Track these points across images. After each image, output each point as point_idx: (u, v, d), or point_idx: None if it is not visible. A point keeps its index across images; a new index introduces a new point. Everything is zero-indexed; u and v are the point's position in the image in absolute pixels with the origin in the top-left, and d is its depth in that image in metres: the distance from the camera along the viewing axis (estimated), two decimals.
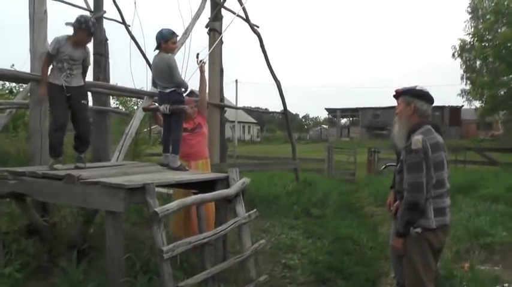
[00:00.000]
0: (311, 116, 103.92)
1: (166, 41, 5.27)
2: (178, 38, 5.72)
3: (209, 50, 8.59)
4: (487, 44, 18.45)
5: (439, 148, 3.79)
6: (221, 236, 4.66)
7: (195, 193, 5.14)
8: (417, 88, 4.04)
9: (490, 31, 18.58)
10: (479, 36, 18.24)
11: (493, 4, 17.99)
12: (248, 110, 47.42)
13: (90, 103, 9.80)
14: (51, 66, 5.04)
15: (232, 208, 4.97)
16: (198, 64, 5.81)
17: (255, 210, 5.17)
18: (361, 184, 16.01)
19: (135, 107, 14.54)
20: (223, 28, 8.84)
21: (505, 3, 15.94)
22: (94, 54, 9.64)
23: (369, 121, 60.21)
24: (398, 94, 4.09)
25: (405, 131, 3.92)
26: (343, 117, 66.64)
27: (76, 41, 4.96)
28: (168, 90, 5.28)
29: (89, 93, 9.71)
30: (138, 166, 5.46)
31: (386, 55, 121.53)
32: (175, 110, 5.26)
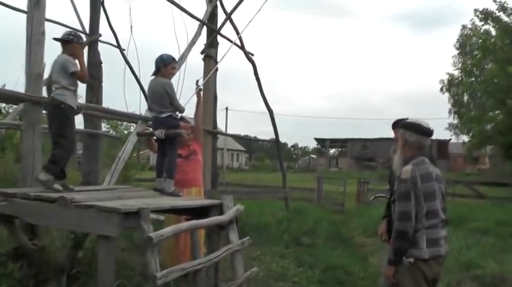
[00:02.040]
0: (300, 145, 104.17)
1: (166, 65, 5.28)
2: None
3: (203, 76, 8.66)
4: (474, 80, 18.79)
5: (430, 179, 3.85)
6: (213, 263, 4.59)
7: (187, 219, 5.10)
8: (407, 120, 4.15)
9: (477, 67, 18.91)
10: (468, 72, 18.58)
11: (480, 41, 18.36)
12: (237, 138, 47.49)
13: (82, 126, 9.77)
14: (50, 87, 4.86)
15: (225, 235, 4.92)
16: (196, 90, 5.82)
17: (248, 237, 5.12)
18: (350, 214, 16.01)
19: (126, 131, 14.51)
20: (219, 55, 8.93)
21: (492, 40, 16.29)
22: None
23: (357, 152, 60.52)
24: (393, 126, 4.20)
25: (400, 162, 4.01)
26: (332, 147, 66.94)
27: (74, 55, 4.85)
28: (163, 115, 5.25)
29: (81, 116, 9.71)
30: (132, 190, 5.40)
31: (377, 87, 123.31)
32: (171, 134, 5.24)
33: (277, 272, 6.96)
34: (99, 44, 9.87)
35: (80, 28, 9.99)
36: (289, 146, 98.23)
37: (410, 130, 3.97)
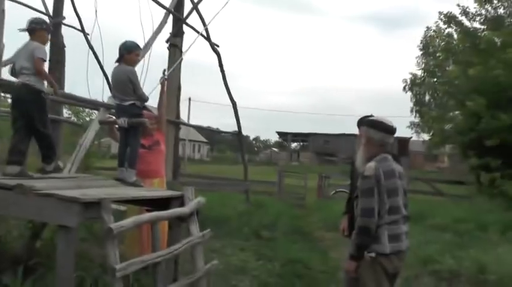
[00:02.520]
0: (262, 138, 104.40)
1: (130, 52, 5.17)
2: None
3: (168, 65, 8.56)
4: (436, 80, 19.25)
5: (393, 175, 3.91)
6: (173, 256, 4.55)
7: (148, 211, 5.03)
8: (371, 118, 4.24)
9: (439, 68, 19.34)
10: (430, 72, 19.02)
11: (443, 43, 18.80)
12: (199, 129, 47.22)
13: None
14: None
15: (185, 227, 4.88)
16: (160, 79, 5.73)
17: (208, 230, 5.08)
18: (311, 209, 16.13)
19: (88, 119, 14.20)
20: (184, 44, 8.82)
21: (454, 42, 16.71)
22: (50, 61, 9.39)
23: (319, 147, 61.04)
24: (359, 123, 4.25)
25: (363, 159, 4.05)
26: (293, 141, 67.33)
27: (43, 42, 4.83)
28: (127, 103, 5.15)
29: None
30: (92, 179, 5.29)
31: (341, 84, 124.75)
32: (134, 123, 5.14)
33: (236, 266, 6.96)
34: (63, 27, 9.64)
35: (43, 10, 9.71)
36: (251, 139, 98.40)
37: (374, 128, 4.02)
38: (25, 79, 4.64)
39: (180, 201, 4.90)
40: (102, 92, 8.54)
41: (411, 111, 37.58)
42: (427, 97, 33.17)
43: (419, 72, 24.06)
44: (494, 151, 14.37)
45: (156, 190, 5.42)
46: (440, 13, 17.13)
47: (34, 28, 4.78)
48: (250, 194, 13.07)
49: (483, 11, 16.24)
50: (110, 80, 5.39)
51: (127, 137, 5.25)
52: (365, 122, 4.18)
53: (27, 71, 4.64)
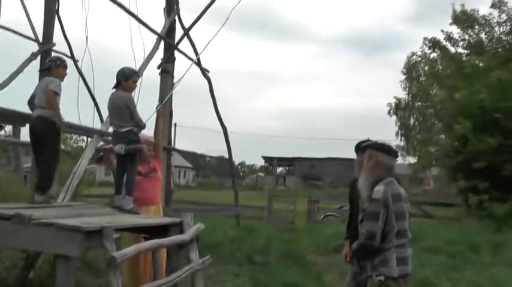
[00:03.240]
0: (247, 163, 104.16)
1: (127, 79, 5.16)
2: None
3: (160, 91, 8.55)
4: (421, 104, 19.55)
5: (401, 199, 3.94)
6: (174, 284, 4.46)
7: (146, 238, 4.95)
8: (379, 142, 4.26)
9: (424, 92, 19.63)
10: (414, 96, 19.32)
11: (426, 68, 19.16)
12: (184, 154, 47.01)
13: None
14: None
15: (185, 254, 4.81)
16: (157, 107, 5.72)
17: (208, 256, 5.04)
18: (300, 233, 16.09)
19: (75, 145, 14.08)
20: (176, 71, 8.84)
21: (440, 67, 17.03)
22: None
23: (304, 171, 61.17)
24: (363, 148, 4.29)
25: (369, 183, 4.06)
26: (279, 166, 67.39)
27: (59, 77, 5.15)
28: (124, 130, 5.11)
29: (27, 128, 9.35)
30: (88, 207, 5.19)
31: (324, 108, 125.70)
32: (132, 150, 5.09)
33: None
34: (53, 53, 9.56)
35: (32, 36, 9.63)
36: (236, 163, 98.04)
37: (382, 151, 4.07)
38: (41, 112, 4.94)
39: (179, 228, 4.84)
40: (92, 119, 8.49)
41: (396, 134, 38.00)
42: (411, 121, 33.65)
43: (403, 96, 24.43)
44: (482, 173, 14.50)
45: (154, 217, 5.34)
46: (425, 39, 17.50)
47: (50, 66, 5.19)
48: (240, 219, 12.97)
49: (466, 36, 16.60)
50: (107, 106, 5.33)
51: (124, 164, 5.19)
52: (371, 145, 4.19)
53: (43, 104, 4.93)
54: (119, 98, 5.13)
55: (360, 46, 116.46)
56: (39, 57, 9.33)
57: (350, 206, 5.43)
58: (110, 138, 7.02)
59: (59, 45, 9.61)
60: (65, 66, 5.35)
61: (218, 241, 10.10)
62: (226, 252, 9.55)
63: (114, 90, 5.25)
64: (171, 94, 8.83)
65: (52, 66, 5.19)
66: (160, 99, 7.56)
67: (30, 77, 9.62)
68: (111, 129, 6.76)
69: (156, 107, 5.79)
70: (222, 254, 9.33)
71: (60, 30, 9.14)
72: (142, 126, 5.27)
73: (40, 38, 9.54)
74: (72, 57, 9.58)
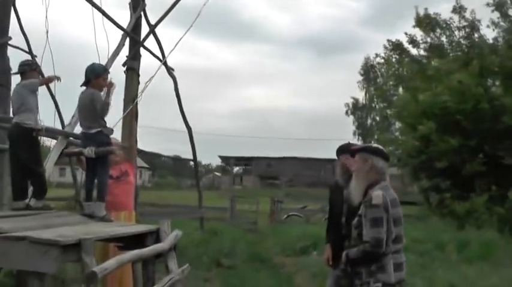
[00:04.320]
0: (203, 163, 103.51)
1: (98, 76, 4.85)
2: None
3: (125, 89, 8.17)
4: (381, 105, 19.85)
5: (397, 204, 3.87)
6: None
7: (119, 247, 4.66)
8: (373, 146, 4.22)
9: (383, 93, 19.88)
10: (378, 98, 19.54)
11: (384, 69, 19.48)
12: (143, 154, 46.38)
13: None
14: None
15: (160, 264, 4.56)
16: (128, 109, 5.42)
17: (187, 265, 4.82)
18: (264, 233, 15.93)
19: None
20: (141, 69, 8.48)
21: (403, 69, 17.34)
22: None
23: (262, 170, 61.19)
24: (355, 151, 4.16)
25: (363, 187, 3.95)
26: (236, 165, 67.12)
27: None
28: (93, 131, 4.79)
29: None
30: (57, 215, 4.81)
31: (278, 106, 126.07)
32: (102, 152, 4.77)
33: None
34: (9, 48, 9.03)
35: None
36: (191, 164, 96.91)
37: (376, 155, 3.96)
38: (18, 119, 4.80)
39: (155, 235, 4.57)
40: (53, 120, 8.04)
41: (354, 134, 38.62)
42: (369, 121, 34.26)
43: (361, 97, 24.76)
44: (444, 173, 14.85)
45: (130, 225, 5.03)
46: (388, 41, 17.78)
47: (25, 70, 4.98)
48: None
49: (428, 39, 16.94)
50: (77, 106, 4.99)
51: (94, 168, 4.86)
52: (367, 149, 4.08)
53: (21, 109, 4.80)
54: (85, 97, 4.84)
55: (316, 47, 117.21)
56: None
57: (330, 209, 5.31)
58: (75, 140, 6.69)
59: (16, 39, 9.11)
60: (40, 72, 5.28)
61: (183, 245, 9.76)
62: (192, 256, 9.29)
63: (83, 89, 4.91)
64: (137, 93, 8.49)
65: (27, 70, 5.00)
66: (131, 100, 7.20)
67: None
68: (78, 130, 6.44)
69: (129, 108, 5.47)
70: (188, 258, 9.01)
71: (17, 23, 8.66)
72: (103, 115, 4.91)
73: None
74: (30, 52, 9.08)
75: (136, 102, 5.48)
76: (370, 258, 3.70)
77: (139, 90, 5.52)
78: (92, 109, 4.81)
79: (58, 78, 5.24)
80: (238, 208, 19.14)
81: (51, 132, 5.90)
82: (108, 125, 5.04)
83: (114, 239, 4.38)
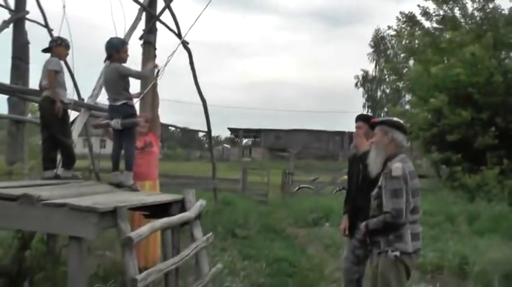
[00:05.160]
0: (212, 134, 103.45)
1: (118, 51, 4.97)
2: None
3: (142, 62, 8.28)
4: (394, 77, 19.65)
5: (415, 176, 4.01)
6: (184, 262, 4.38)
7: (145, 216, 4.85)
8: (394, 119, 4.28)
9: (394, 66, 19.67)
10: (393, 70, 19.32)
11: (401, 42, 19.23)
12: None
13: (6, 111, 9.03)
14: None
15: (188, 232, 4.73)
16: (153, 80, 5.54)
17: (211, 233, 5.01)
18: (275, 205, 16.14)
19: None
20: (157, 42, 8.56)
21: (416, 41, 17.17)
22: (13, 58, 8.92)
23: (270, 143, 61.34)
24: (375, 123, 4.26)
25: (382, 159, 4.09)
26: (245, 137, 67.32)
27: (60, 57, 5.16)
28: (119, 103, 4.92)
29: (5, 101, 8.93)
30: (86, 184, 4.99)
31: (287, 78, 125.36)
32: (128, 124, 4.91)
33: (224, 266, 6.81)
34: (27, 22, 9.14)
35: (2, 2, 9.15)
36: (201, 135, 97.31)
37: (396, 128, 4.07)
38: (45, 93, 5.00)
39: (180, 205, 4.74)
40: (72, 92, 8.17)
41: (363, 106, 38.35)
42: (378, 93, 34.02)
43: (370, 69, 24.59)
44: (455, 146, 14.83)
45: (156, 194, 5.20)
46: (401, 13, 17.57)
47: (51, 46, 5.13)
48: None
49: (441, 12, 16.73)
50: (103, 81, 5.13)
51: (121, 139, 5.02)
52: (387, 122, 4.17)
53: (46, 85, 4.99)
54: (110, 71, 4.98)
55: (326, 19, 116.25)
56: (11, 25, 8.96)
57: (348, 181, 5.43)
58: (98, 112, 6.84)
59: (33, 13, 9.20)
60: (67, 46, 5.27)
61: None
62: (208, 226, 9.48)
63: (106, 63, 5.06)
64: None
65: (53, 46, 5.12)
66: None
67: (3, 46, 9.22)
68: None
69: (153, 80, 5.59)
70: (204, 228, 9.23)
71: None
72: (145, 74, 5.43)
73: (12, 6, 9.13)
74: (46, 26, 9.17)
75: (157, 74, 5.57)
76: (390, 228, 3.83)
77: (162, 64, 5.62)
78: (117, 82, 4.93)
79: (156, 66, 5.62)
80: (249, 179, 19.33)
81: (76, 105, 6.03)
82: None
83: (141, 207, 4.57)
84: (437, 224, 10.16)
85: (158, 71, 5.58)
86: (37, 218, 3.46)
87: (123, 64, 5.03)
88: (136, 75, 5.19)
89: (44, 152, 5.15)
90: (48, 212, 3.43)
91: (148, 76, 5.46)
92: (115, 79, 4.93)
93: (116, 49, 4.99)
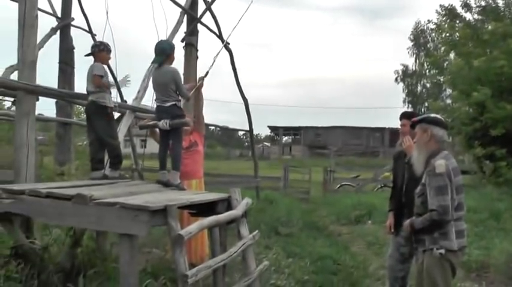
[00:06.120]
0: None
1: (168, 56, 5.09)
2: None
3: (184, 64, 8.44)
4: (435, 71, 19.30)
5: (459, 173, 3.99)
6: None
7: (191, 214, 4.95)
8: (432, 115, 4.30)
9: (435, 60, 19.30)
10: (434, 64, 18.97)
11: (441, 35, 18.86)
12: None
13: (54, 114, 9.36)
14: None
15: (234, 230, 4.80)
16: (199, 81, 5.65)
17: (257, 231, 5.07)
18: (317, 203, 16.13)
19: None
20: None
21: (456, 34, 16.82)
22: (59, 63, 9.23)
23: (310, 140, 61.21)
24: (414, 123, 4.25)
25: (424, 157, 4.09)
26: (285, 135, 67.36)
27: (103, 62, 5.28)
28: (168, 104, 5.03)
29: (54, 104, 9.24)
30: (134, 184, 5.14)
31: (326, 74, 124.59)
32: (177, 124, 5.03)
33: (270, 264, 6.88)
34: (72, 28, 9.46)
35: (50, 10, 9.50)
36: (241, 134, 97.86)
37: (435, 125, 4.07)
38: (91, 97, 5.15)
39: (226, 203, 4.82)
40: (116, 95, 8.40)
41: (403, 101, 37.62)
42: (419, 88, 33.30)
43: (410, 63, 24.17)
44: (498, 140, 14.46)
45: (202, 193, 5.32)
46: (441, 6, 17.25)
47: (93, 51, 5.23)
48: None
49: (483, 3, 16.36)
50: (151, 82, 5.24)
51: (167, 139, 5.15)
52: (425, 119, 4.17)
53: (91, 90, 5.13)
54: (165, 73, 5.05)
55: (363, 13, 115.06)
56: (58, 32, 9.30)
57: (394, 178, 5.40)
58: (143, 114, 7.01)
59: (78, 20, 9.52)
60: (109, 50, 5.37)
61: None
62: (251, 224, 9.55)
63: (154, 65, 5.19)
64: (196, 68, 8.72)
65: (95, 52, 5.24)
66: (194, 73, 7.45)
67: (50, 52, 9.54)
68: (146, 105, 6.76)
69: (199, 80, 5.70)
70: (248, 226, 9.34)
71: (78, 5, 9.02)
72: (187, 97, 5.35)
73: (59, 13, 9.47)
74: (90, 31, 9.47)
75: (206, 75, 5.69)
76: (436, 226, 3.81)
77: (209, 65, 5.76)
78: (169, 85, 5.03)
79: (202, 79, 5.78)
80: (291, 177, 19.35)
81: (120, 108, 6.20)
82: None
83: (188, 206, 4.67)
84: (482, 222, 9.97)
85: (207, 72, 5.70)
86: (90, 217, 3.59)
87: (178, 71, 5.22)
88: (182, 93, 5.18)
89: (92, 153, 5.30)
90: (101, 210, 3.56)
91: (187, 99, 5.51)
92: (168, 82, 5.02)
93: (167, 54, 5.11)
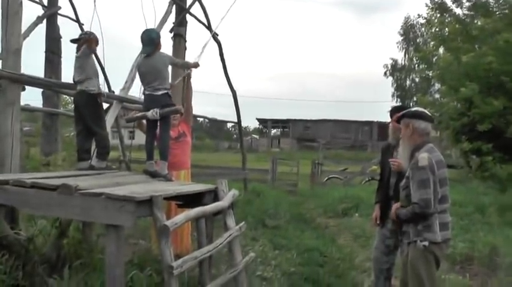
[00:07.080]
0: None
1: (157, 44, 5.05)
2: None
3: (173, 55, 8.36)
4: (423, 66, 19.36)
5: (443, 165, 3.99)
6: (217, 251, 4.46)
7: (178, 205, 4.94)
8: (412, 109, 4.31)
9: (424, 55, 19.33)
10: (423, 59, 19.01)
11: (430, 30, 18.89)
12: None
13: (41, 104, 9.27)
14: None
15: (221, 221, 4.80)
16: (185, 72, 5.63)
17: (243, 223, 5.07)
18: (304, 195, 16.13)
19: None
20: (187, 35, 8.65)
21: (446, 29, 16.86)
22: (46, 52, 9.13)
23: (299, 133, 61.26)
24: (399, 119, 4.26)
25: (408, 151, 4.11)
26: (273, 128, 67.35)
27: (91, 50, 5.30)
28: (160, 93, 4.99)
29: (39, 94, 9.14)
30: (120, 174, 5.12)
31: (316, 67, 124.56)
32: (167, 113, 4.99)
33: (256, 256, 6.88)
34: (59, 17, 9.35)
35: None
36: (229, 126, 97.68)
37: (419, 118, 4.07)
38: (81, 87, 5.13)
39: (213, 194, 4.81)
40: (103, 85, 8.33)
41: (392, 96, 37.72)
42: (407, 82, 33.40)
43: (400, 58, 24.22)
44: (485, 136, 14.56)
45: (190, 184, 5.31)
46: (431, 0, 17.26)
47: (81, 38, 5.25)
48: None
49: None
50: (140, 71, 5.17)
51: (154, 129, 5.14)
52: (406, 114, 4.18)
53: (81, 79, 5.12)
54: (159, 59, 5.02)
55: (353, 7, 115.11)
56: (45, 21, 9.18)
57: (381, 171, 5.42)
58: (130, 104, 6.95)
59: (65, 9, 9.41)
60: (97, 42, 5.39)
61: None
62: (238, 216, 9.55)
63: (143, 55, 5.14)
64: (183, 58, 8.66)
65: (84, 38, 5.24)
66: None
67: (37, 41, 9.43)
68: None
69: (186, 72, 5.67)
70: (235, 218, 9.33)
71: None
72: (189, 63, 5.53)
73: (45, 1, 9.36)
74: (77, 20, 9.37)
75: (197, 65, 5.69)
76: (419, 218, 3.84)
77: (197, 56, 5.74)
78: (163, 71, 5.01)
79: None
80: (279, 170, 19.35)
81: (107, 98, 6.15)
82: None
83: (175, 197, 4.65)
84: (467, 215, 10.07)
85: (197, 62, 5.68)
86: (75, 207, 3.58)
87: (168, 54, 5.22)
88: (182, 64, 5.22)
89: (79, 143, 5.28)
90: (86, 201, 3.54)
91: (193, 66, 5.55)
92: (161, 68, 5.00)
93: (155, 43, 5.06)
